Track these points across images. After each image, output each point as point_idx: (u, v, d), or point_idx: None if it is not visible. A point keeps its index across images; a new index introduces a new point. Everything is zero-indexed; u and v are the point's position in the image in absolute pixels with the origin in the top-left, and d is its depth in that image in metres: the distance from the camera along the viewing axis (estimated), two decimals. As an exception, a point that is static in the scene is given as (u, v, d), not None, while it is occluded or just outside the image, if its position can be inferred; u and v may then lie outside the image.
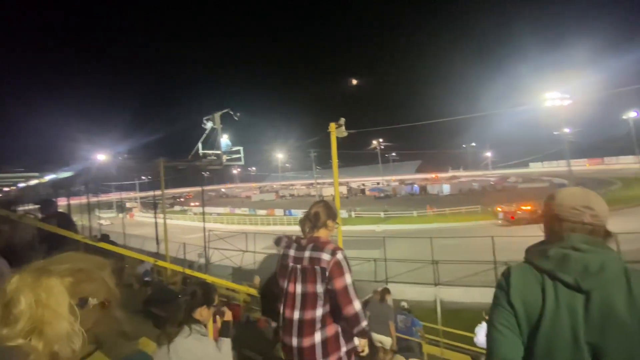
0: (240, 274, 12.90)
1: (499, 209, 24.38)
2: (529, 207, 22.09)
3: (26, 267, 0.64)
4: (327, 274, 1.53)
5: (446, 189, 48.43)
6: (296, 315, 1.58)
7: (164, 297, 3.34)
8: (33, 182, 12.58)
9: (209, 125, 10.47)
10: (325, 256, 1.56)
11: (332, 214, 1.76)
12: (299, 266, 1.64)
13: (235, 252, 14.67)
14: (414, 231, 23.31)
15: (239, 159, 10.65)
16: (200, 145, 10.32)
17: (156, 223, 12.21)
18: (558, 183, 36.44)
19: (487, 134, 72.08)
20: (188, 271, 2.58)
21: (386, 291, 5.31)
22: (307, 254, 1.63)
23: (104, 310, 0.70)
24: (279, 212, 38.62)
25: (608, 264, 0.88)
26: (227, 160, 10.51)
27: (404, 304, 7.28)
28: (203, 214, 12.38)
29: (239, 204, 49.51)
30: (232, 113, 10.45)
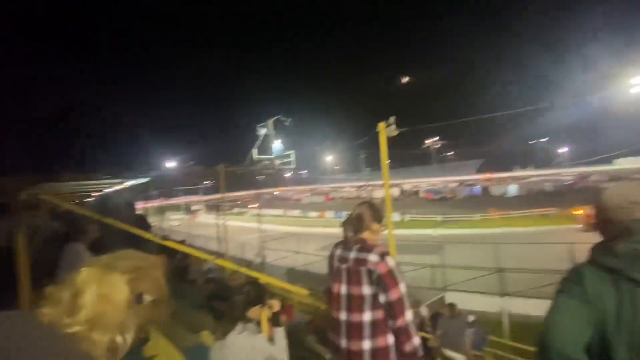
0: (293, 275, 13.24)
1: (579, 212, 21.48)
2: None
3: (94, 260, 0.70)
4: (374, 277, 1.45)
5: (513, 189, 44.25)
6: (343, 316, 1.53)
7: (224, 293, 3.56)
8: (117, 187, 14.48)
9: (262, 131, 11.03)
10: (373, 258, 1.48)
11: (377, 216, 1.66)
12: (344, 266, 1.57)
13: (289, 252, 15.13)
14: (476, 236, 21.65)
15: (290, 163, 11.01)
16: (255, 151, 10.92)
17: (217, 224, 13.14)
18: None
19: (562, 126, 63.99)
20: (244, 270, 2.72)
21: (454, 306, 5.22)
22: (353, 254, 1.56)
23: (155, 307, 0.75)
24: (329, 214, 38.92)
25: None
26: (280, 164, 10.94)
27: (472, 317, 6.79)
28: (259, 215, 13.01)
29: (291, 206, 51.05)
30: (283, 119, 10.87)
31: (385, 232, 4.18)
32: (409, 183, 62.22)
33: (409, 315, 1.45)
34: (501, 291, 9.73)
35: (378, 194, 53.30)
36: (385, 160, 3.77)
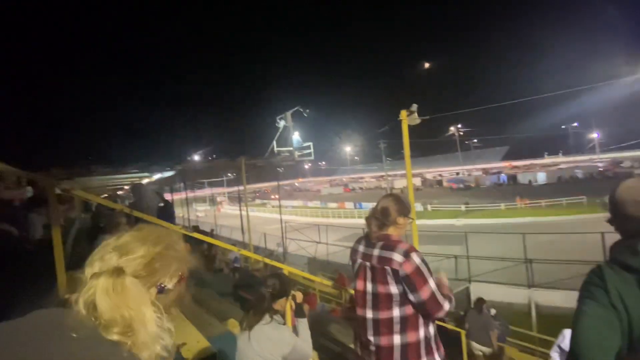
0: (315, 264, 13.43)
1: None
2: None
3: (98, 265, 0.62)
4: (401, 277, 1.40)
5: (542, 177, 42.28)
6: (369, 314, 1.50)
7: (250, 282, 3.69)
8: (145, 180, 15.16)
9: (281, 123, 11.07)
10: (397, 257, 1.41)
11: (404, 209, 1.57)
12: (367, 264, 1.53)
13: (310, 242, 15.31)
14: (502, 226, 20.95)
15: (309, 154, 11.02)
16: (274, 143, 11.00)
17: (241, 215, 13.47)
18: None
19: (594, 111, 59.96)
20: (267, 260, 2.79)
21: (482, 301, 5.29)
22: (376, 252, 1.49)
23: (181, 284, 0.71)
24: (349, 204, 38.87)
25: None
26: (299, 156, 10.97)
27: (493, 310, 6.73)
28: (280, 207, 13.21)
29: (311, 198, 51.39)
30: (302, 110, 10.86)
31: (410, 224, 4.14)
32: (432, 172, 60.81)
33: (446, 306, 1.41)
34: (528, 282, 9.43)
35: (399, 184, 52.57)
36: (407, 150, 3.69)
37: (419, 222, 4.08)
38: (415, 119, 3.63)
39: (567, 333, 2.55)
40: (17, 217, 2.70)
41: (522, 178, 44.19)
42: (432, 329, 1.49)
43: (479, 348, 4.87)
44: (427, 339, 1.46)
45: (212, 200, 49.43)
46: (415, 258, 1.41)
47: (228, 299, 4.28)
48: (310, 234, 16.19)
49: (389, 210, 1.55)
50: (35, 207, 4.43)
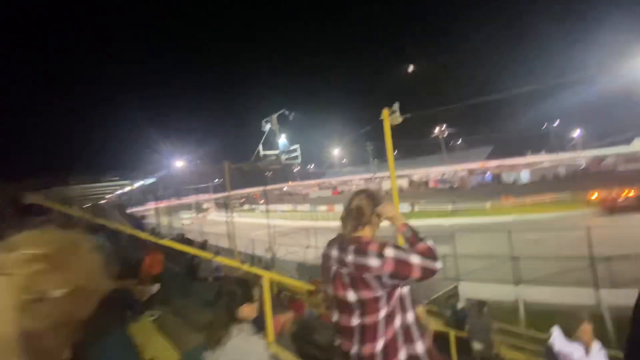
0: (304, 269, 13.26)
1: (594, 196, 20.89)
2: (632, 193, 18.57)
3: None
4: (385, 278, 1.30)
5: (525, 176, 43.34)
6: (355, 321, 1.38)
7: (232, 291, 3.52)
8: (127, 188, 14.76)
9: (267, 127, 10.95)
10: (373, 262, 1.30)
11: (378, 205, 1.48)
12: (344, 271, 1.40)
13: (299, 247, 15.15)
14: (488, 224, 21.30)
15: (296, 157, 10.93)
16: (260, 146, 10.86)
17: (227, 222, 13.22)
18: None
19: (574, 108, 61.95)
20: (245, 267, 2.66)
21: (482, 304, 5.42)
22: (350, 257, 1.38)
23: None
24: (338, 207, 38.89)
25: None
26: (286, 159, 10.87)
27: (460, 304, 6.94)
28: (267, 212, 13.03)
29: (300, 201, 51.21)
30: (286, 113, 10.79)
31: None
32: (418, 173, 61.58)
33: (438, 264, 1.33)
34: (515, 280, 9.53)
35: (387, 185, 53.03)
36: (390, 149, 3.64)
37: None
38: (397, 118, 3.59)
39: (557, 333, 2.50)
40: None
41: (507, 177, 45.20)
42: (410, 316, 1.39)
43: (478, 347, 5.00)
44: (405, 326, 1.36)
45: (199, 208, 48.51)
46: (389, 252, 1.31)
47: (211, 308, 4.10)
48: (300, 239, 16.04)
49: (362, 209, 1.46)
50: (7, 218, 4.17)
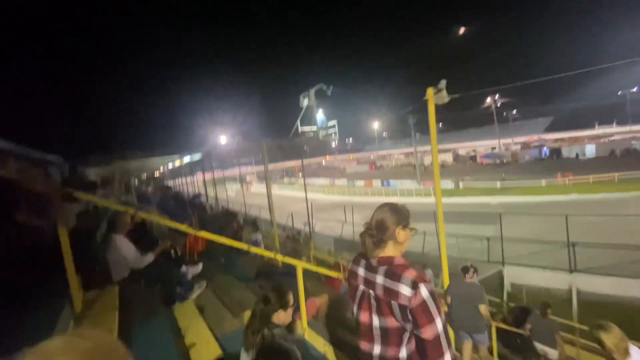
0: (341, 244, 13.48)
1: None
2: None
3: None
4: (408, 312, 1.20)
5: (590, 150, 38.78)
6: (376, 350, 1.30)
7: (269, 271, 3.67)
8: (177, 163, 15.87)
9: (305, 102, 10.90)
10: (405, 290, 1.20)
11: (402, 220, 1.34)
12: (371, 292, 1.31)
13: (336, 222, 15.33)
14: (542, 204, 19.69)
15: (334, 133, 10.79)
16: (298, 122, 10.86)
17: (268, 195, 13.68)
18: None
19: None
20: (280, 257, 2.69)
21: (546, 305, 5.06)
22: (379, 279, 1.28)
23: None
24: (376, 182, 38.30)
25: None
26: (324, 135, 10.77)
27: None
28: (305, 186, 13.20)
29: (337, 175, 51.22)
30: (325, 88, 10.53)
31: (433, 200, 3.84)
32: (465, 147, 57.85)
33: (447, 357, 1.18)
34: (570, 267, 8.80)
35: (429, 160, 50.73)
36: (434, 131, 3.36)
37: (449, 200, 3.77)
38: (444, 98, 3.26)
39: (635, 351, 2.09)
40: (46, 209, 2.75)
41: (568, 152, 40.80)
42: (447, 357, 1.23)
43: (541, 348, 4.76)
44: None
45: (242, 180, 50.96)
46: (424, 290, 1.19)
47: (248, 285, 4.31)
48: (337, 214, 16.19)
49: (385, 223, 1.33)
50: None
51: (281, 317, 1.71)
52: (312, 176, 49.93)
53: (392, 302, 1.23)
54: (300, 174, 57.44)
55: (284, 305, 1.74)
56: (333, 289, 6.10)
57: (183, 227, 2.36)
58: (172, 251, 3.30)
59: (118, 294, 2.30)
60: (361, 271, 1.39)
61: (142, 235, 3.01)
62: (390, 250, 1.33)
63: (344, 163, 72.77)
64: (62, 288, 1.94)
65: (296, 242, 11.92)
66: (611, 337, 2.07)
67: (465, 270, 4.05)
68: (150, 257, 2.74)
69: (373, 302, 1.31)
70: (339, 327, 3.44)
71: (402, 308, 1.20)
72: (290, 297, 1.78)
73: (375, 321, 1.30)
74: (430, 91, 3.24)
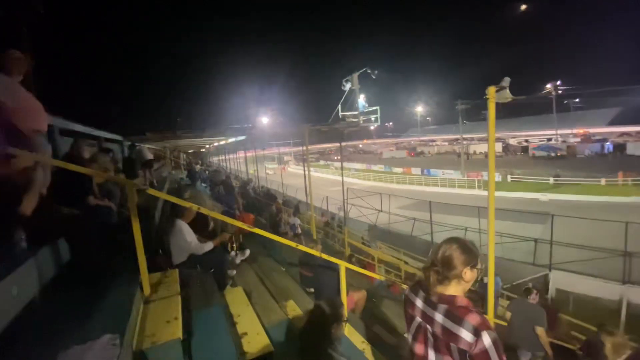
0: (375, 232, 13.46)
1: None
2: None
3: None
4: (468, 357, 1.17)
5: (663, 148, 34.21)
6: None
7: (308, 261, 3.82)
8: (222, 142, 16.75)
9: (347, 86, 10.67)
10: (467, 335, 1.16)
11: (471, 260, 1.28)
12: (429, 328, 1.30)
13: (371, 209, 15.25)
14: (599, 205, 17.97)
15: (375, 119, 10.58)
16: (339, 107, 10.76)
17: (305, 177, 13.93)
18: None
19: None
20: (325, 256, 2.77)
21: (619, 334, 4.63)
22: (439, 317, 1.26)
23: None
24: (415, 170, 37.09)
25: None
26: (364, 121, 10.61)
27: None
28: (342, 170, 13.19)
29: (373, 161, 50.27)
30: (369, 72, 10.25)
31: (476, 193, 3.67)
32: (517, 137, 53.56)
33: None
34: (623, 278, 8.09)
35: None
36: (492, 133, 3.17)
37: (495, 194, 3.59)
38: (506, 97, 3.06)
39: None
40: (113, 190, 3.05)
41: (634, 148, 36.28)
42: None
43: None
44: None
45: (280, 160, 52.12)
46: (486, 339, 1.15)
47: (288, 270, 4.50)
48: (372, 200, 16.07)
49: (452, 261, 1.27)
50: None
51: (337, 332, 1.77)
52: (346, 160, 49.57)
53: (451, 344, 1.21)
54: (335, 157, 57.26)
55: (338, 320, 1.78)
56: (369, 282, 6.20)
57: (238, 224, 2.52)
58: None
59: (178, 278, 2.40)
60: (419, 303, 1.37)
61: (203, 225, 3.25)
62: (452, 288, 1.30)
63: (382, 147, 71.05)
64: (133, 270, 2.04)
65: (330, 228, 12.13)
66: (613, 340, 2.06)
67: (528, 292, 4.21)
68: (209, 245, 2.97)
69: (430, 337, 1.30)
70: (373, 319, 3.54)
71: (462, 352, 1.19)
72: (343, 311, 1.83)
73: (432, 356, 1.29)
74: (491, 89, 3.05)
